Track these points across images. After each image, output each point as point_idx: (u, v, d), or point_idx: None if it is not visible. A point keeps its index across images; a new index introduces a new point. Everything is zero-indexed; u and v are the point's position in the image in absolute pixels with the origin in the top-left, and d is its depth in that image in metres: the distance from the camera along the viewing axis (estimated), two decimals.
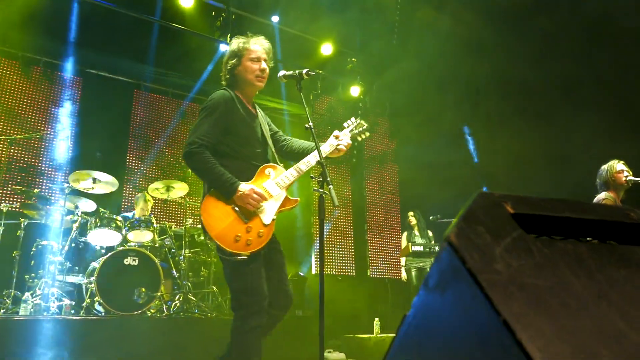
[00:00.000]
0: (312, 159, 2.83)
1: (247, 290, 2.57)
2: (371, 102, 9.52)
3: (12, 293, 5.16)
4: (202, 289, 6.22)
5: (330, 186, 2.51)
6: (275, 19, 8.00)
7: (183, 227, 6.17)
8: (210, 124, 2.69)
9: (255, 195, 2.60)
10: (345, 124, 3.11)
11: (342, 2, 7.73)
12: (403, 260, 6.89)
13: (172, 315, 5.42)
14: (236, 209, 2.61)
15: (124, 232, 5.59)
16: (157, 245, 5.83)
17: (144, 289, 5.17)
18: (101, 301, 4.96)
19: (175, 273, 5.93)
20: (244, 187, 2.60)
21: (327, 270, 8.17)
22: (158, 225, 5.99)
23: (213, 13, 7.70)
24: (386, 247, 8.84)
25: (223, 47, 7.67)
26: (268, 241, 2.65)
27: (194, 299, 5.89)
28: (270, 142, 2.96)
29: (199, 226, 6.29)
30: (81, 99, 7.50)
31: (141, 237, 5.69)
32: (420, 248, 6.34)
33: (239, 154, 2.78)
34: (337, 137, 2.97)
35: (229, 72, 2.92)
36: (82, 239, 5.54)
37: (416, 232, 7.07)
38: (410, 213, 7.16)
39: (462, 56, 7.62)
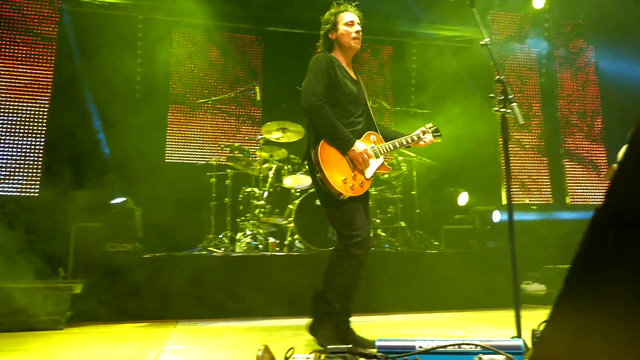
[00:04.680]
0: (404, 141, 3.22)
1: (350, 225, 2.89)
2: (560, 11, 8.40)
3: (229, 234, 5.98)
4: (391, 224, 6.39)
5: (514, 104, 2.44)
6: None
7: None
8: (319, 82, 2.97)
9: (365, 156, 2.94)
10: (427, 126, 3.34)
11: None
12: None
13: None
14: (346, 156, 2.96)
15: None
16: None
17: None
18: (300, 239, 5.46)
19: None
20: (358, 146, 2.94)
21: (519, 199, 7.69)
22: None
23: None
24: (586, 170, 7.93)
25: None
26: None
27: (383, 234, 6.09)
28: (369, 106, 3.26)
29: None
30: (264, 56, 8.11)
31: None
32: None
33: (344, 110, 3.04)
34: (424, 132, 3.27)
35: (325, 38, 3.20)
36: (279, 184, 6.09)
37: None
38: None
39: None
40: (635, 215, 0.68)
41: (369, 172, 3.00)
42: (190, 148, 7.63)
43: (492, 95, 2.49)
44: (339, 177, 2.87)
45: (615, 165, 5.76)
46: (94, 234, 5.11)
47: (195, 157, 7.58)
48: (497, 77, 2.44)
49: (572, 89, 8.38)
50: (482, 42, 2.59)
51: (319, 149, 2.90)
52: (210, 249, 5.74)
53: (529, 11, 8.24)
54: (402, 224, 6.30)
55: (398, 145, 3.20)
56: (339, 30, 3.12)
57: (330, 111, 2.93)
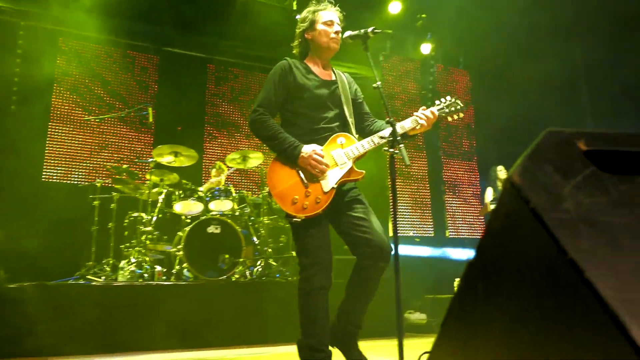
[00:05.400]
0: (386, 133, 2.63)
1: (306, 251, 2.58)
2: (443, 57, 9.20)
3: (111, 261, 5.61)
4: (283, 254, 6.40)
5: (401, 145, 2.44)
6: None
7: (260, 196, 6.34)
8: (268, 93, 2.70)
9: (316, 156, 2.56)
10: (437, 102, 2.90)
11: None
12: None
13: (254, 280, 5.64)
14: (300, 172, 2.60)
15: (205, 202, 5.86)
16: (237, 213, 6.05)
17: (227, 256, 5.42)
18: (189, 268, 5.27)
19: (255, 240, 6.13)
20: (305, 149, 2.58)
21: (404, 232, 8.12)
22: (237, 194, 6.20)
23: None
24: (465, 206, 8.63)
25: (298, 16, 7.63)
26: (329, 204, 2.56)
27: (275, 263, 6.08)
28: (346, 107, 2.85)
29: None
30: (159, 77, 7.86)
31: (222, 206, 5.91)
32: None
33: (307, 117, 2.75)
34: (427, 109, 2.82)
35: (301, 37, 2.90)
36: (168, 210, 5.87)
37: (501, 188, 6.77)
38: (500, 167, 6.71)
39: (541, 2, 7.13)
40: (498, 270, 0.77)
41: (328, 184, 2.57)
42: (72, 167, 7.12)
43: (382, 136, 2.62)
44: (289, 197, 2.53)
45: (488, 202, 6.34)
46: None
47: (77, 178, 7.07)
48: (387, 118, 2.57)
49: (453, 126, 9.11)
50: (374, 85, 2.68)
51: (270, 168, 2.60)
52: (89, 277, 5.33)
53: (417, 56, 8.92)
54: (294, 253, 6.32)
55: (378, 141, 2.68)
56: (316, 29, 2.83)
57: (272, 122, 2.62)
